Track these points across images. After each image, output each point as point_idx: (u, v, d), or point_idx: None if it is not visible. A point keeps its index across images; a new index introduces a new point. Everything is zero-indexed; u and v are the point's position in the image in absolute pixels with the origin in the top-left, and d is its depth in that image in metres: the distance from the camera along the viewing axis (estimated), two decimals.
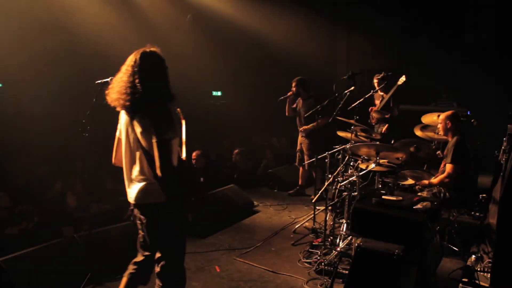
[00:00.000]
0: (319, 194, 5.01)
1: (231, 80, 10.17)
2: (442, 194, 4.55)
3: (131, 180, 2.79)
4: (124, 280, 2.93)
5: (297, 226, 5.38)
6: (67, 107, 6.41)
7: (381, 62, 9.19)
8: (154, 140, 2.56)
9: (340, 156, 5.13)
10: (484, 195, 5.15)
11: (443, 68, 8.99)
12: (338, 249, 4.33)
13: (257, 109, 10.13)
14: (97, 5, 7.05)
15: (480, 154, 6.64)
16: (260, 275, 4.17)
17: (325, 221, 4.55)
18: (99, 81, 3.82)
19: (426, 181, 4.64)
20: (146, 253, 2.91)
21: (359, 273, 3.30)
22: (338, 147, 5.23)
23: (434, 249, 3.89)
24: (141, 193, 2.72)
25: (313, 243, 4.75)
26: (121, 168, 2.92)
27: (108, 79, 3.77)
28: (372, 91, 5.83)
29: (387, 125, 6.23)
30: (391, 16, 9.55)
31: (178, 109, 2.82)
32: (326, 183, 4.87)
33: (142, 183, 2.72)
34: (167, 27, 8.23)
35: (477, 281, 3.43)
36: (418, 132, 5.40)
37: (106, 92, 2.79)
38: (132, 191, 2.76)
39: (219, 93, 11.77)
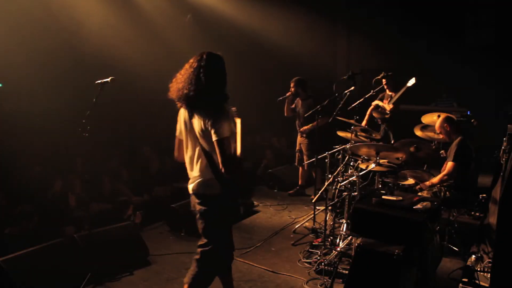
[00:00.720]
0: (319, 194, 5.01)
1: (230, 80, 10.16)
2: (442, 194, 4.55)
3: (192, 173, 3.03)
4: (193, 265, 3.18)
5: (297, 226, 5.39)
6: (67, 107, 6.40)
7: (381, 62, 9.19)
8: (214, 139, 2.79)
9: (340, 156, 5.13)
10: (484, 195, 5.15)
11: (443, 68, 8.98)
12: (338, 249, 4.33)
13: (257, 109, 10.13)
14: (97, 5, 7.05)
15: (480, 154, 6.64)
16: (260, 275, 4.17)
17: (325, 221, 4.55)
18: (99, 81, 3.83)
19: (427, 183, 4.64)
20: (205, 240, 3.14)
21: (359, 273, 3.30)
22: (338, 147, 5.23)
23: (434, 249, 3.89)
24: (201, 185, 2.97)
25: (313, 243, 4.75)
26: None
27: (108, 79, 3.79)
28: (372, 91, 5.83)
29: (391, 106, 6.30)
30: (391, 16, 9.54)
31: (233, 108, 3.02)
32: (326, 183, 4.87)
33: (202, 178, 2.95)
34: (167, 27, 8.23)
35: (477, 281, 3.43)
36: (418, 132, 5.40)
37: (170, 85, 3.00)
38: (193, 183, 3.00)
39: None
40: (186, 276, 3.13)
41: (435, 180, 4.60)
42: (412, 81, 5.87)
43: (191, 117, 2.95)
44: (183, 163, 3.14)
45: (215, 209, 2.98)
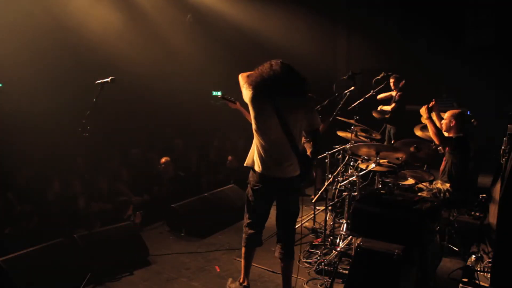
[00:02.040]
0: (319, 194, 5.01)
1: (231, 80, 10.16)
2: (442, 194, 4.54)
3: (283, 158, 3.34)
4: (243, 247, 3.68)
5: (297, 226, 5.36)
6: (67, 107, 6.41)
7: (381, 62, 9.19)
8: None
9: (340, 156, 5.13)
10: (484, 195, 5.15)
11: (443, 68, 8.99)
12: (338, 249, 4.33)
13: None
14: (98, 5, 7.05)
15: (480, 154, 6.64)
16: (260, 275, 4.17)
17: (325, 221, 4.55)
18: (99, 81, 3.83)
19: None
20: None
21: (359, 273, 3.30)
22: (338, 147, 5.22)
23: (434, 249, 3.89)
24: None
25: (313, 243, 4.75)
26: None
27: (108, 79, 3.79)
28: (372, 91, 5.83)
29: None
30: (391, 16, 9.55)
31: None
32: (326, 183, 4.86)
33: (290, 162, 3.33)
34: (167, 27, 8.23)
35: (477, 281, 3.43)
36: (418, 132, 5.39)
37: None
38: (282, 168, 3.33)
39: (219, 93, 11.77)
40: None
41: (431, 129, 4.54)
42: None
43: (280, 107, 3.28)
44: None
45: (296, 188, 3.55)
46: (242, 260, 3.70)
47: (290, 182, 3.38)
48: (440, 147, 5.07)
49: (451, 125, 4.61)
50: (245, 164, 3.58)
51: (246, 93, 3.35)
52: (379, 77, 6.17)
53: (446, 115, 4.69)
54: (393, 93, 6.90)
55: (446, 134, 4.76)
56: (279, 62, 3.34)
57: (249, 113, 3.41)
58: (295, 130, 3.29)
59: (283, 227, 3.64)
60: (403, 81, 6.76)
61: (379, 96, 6.69)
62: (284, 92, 3.22)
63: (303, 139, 3.55)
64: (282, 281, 3.64)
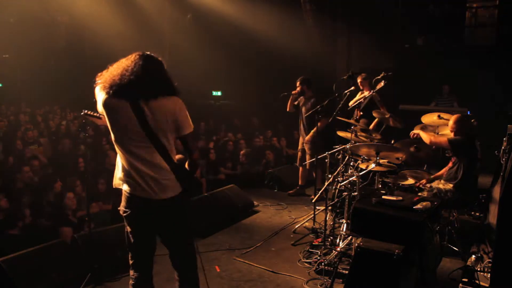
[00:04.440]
0: (319, 194, 5.01)
1: (231, 80, 10.17)
2: (442, 194, 4.54)
3: None
4: None
5: (297, 226, 5.38)
6: (67, 107, 6.42)
7: (381, 62, 9.19)
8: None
9: (340, 156, 5.12)
10: (484, 195, 5.15)
11: (443, 68, 8.99)
12: (338, 249, 4.32)
13: (257, 109, 10.13)
14: (99, 5, 7.06)
15: (480, 154, 6.64)
16: (260, 275, 4.17)
17: (325, 221, 4.55)
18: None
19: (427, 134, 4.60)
20: None
21: (359, 273, 3.30)
22: (338, 147, 5.22)
23: (434, 249, 3.89)
24: None
25: (313, 243, 4.74)
26: (112, 170, 2.91)
27: None
28: (372, 91, 5.82)
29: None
30: (391, 16, 9.55)
31: None
32: (326, 183, 4.87)
33: None
34: (168, 27, 8.24)
35: (477, 281, 3.43)
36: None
37: None
38: None
39: (219, 93, 11.78)
40: None
41: (434, 139, 4.51)
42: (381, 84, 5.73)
43: None
44: None
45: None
46: None
47: (171, 202, 2.72)
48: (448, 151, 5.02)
49: (453, 127, 4.57)
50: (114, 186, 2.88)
51: (99, 97, 2.68)
52: (379, 77, 6.17)
53: (451, 123, 4.61)
54: (366, 93, 6.14)
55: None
56: (138, 55, 2.67)
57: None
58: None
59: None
60: (382, 83, 5.75)
61: (351, 103, 6.04)
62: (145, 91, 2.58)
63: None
64: None
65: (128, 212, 2.75)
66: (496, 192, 4.26)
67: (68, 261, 3.96)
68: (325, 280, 3.93)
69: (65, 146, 6.96)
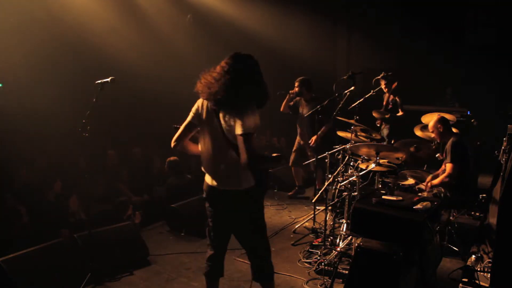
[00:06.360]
0: (319, 194, 5.01)
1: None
2: (442, 194, 4.54)
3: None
4: None
5: (297, 226, 5.38)
6: (68, 107, 6.41)
7: (381, 62, 9.19)
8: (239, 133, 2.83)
9: (340, 156, 5.12)
10: (484, 195, 5.15)
11: (443, 68, 8.99)
12: (338, 249, 4.33)
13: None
14: (98, 5, 7.05)
15: (480, 154, 6.64)
16: None
17: (325, 221, 4.55)
18: (99, 81, 3.83)
19: (428, 184, 4.62)
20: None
21: (359, 273, 3.30)
22: (338, 147, 5.22)
23: (434, 249, 3.88)
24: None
25: (313, 243, 4.75)
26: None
27: (108, 79, 3.79)
28: (372, 91, 5.83)
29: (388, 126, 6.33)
30: (391, 16, 9.55)
31: None
32: (326, 183, 4.87)
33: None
34: (168, 27, 8.23)
35: (477, 281, 3.43)
36: (418, 132, 5.39)
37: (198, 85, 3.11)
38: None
39: None
40: None
41: (435, 181, 4.58)
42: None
43: (217, 112, 2.95)
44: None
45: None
46: None
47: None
48: (438, 154, 5.07)
49: (440, 131, 4.69)
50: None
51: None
52: (379, 77, 6.18)
53: (431, 124, 4.76)
54: (386, 95, 6.56)
55: (439, 140, 4.82)
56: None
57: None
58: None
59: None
60: (396, 83, 6.41)
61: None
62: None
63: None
64: None
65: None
66: (496, 192, 4.25)
67: (68, 261, 3.96)
68: (325, 280, 3.93)
69: (66, 146, 6.96)
